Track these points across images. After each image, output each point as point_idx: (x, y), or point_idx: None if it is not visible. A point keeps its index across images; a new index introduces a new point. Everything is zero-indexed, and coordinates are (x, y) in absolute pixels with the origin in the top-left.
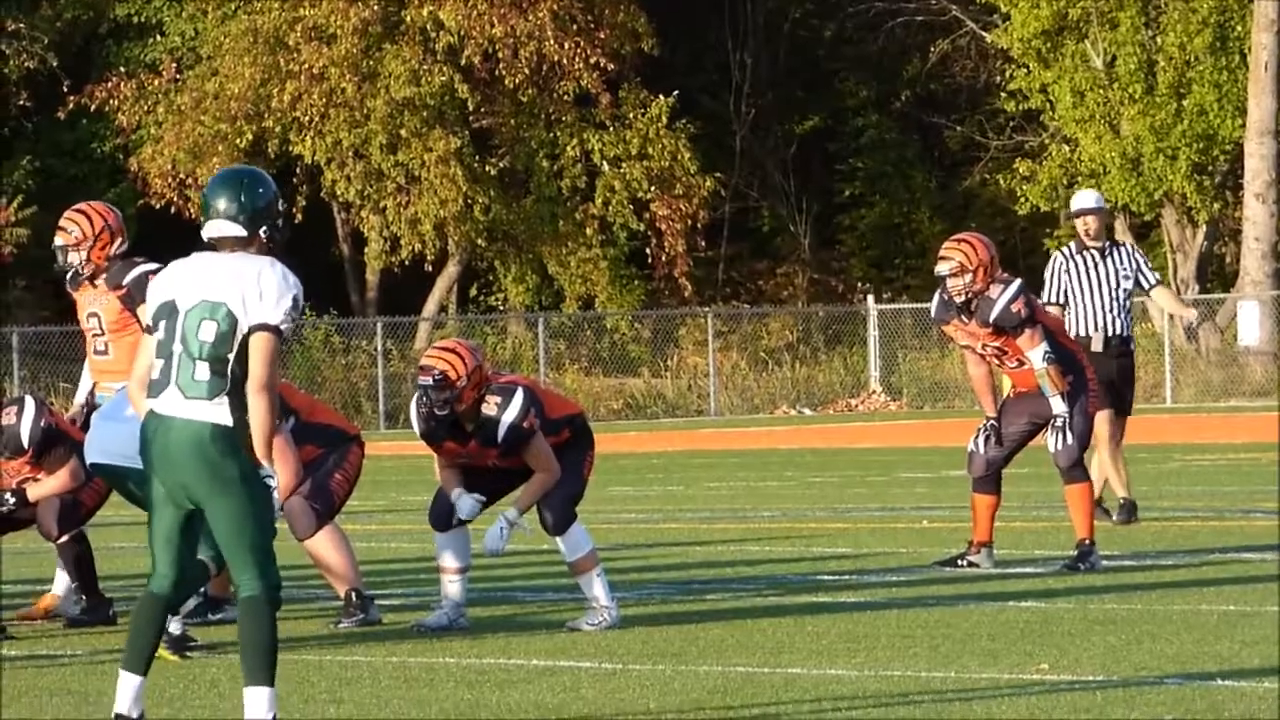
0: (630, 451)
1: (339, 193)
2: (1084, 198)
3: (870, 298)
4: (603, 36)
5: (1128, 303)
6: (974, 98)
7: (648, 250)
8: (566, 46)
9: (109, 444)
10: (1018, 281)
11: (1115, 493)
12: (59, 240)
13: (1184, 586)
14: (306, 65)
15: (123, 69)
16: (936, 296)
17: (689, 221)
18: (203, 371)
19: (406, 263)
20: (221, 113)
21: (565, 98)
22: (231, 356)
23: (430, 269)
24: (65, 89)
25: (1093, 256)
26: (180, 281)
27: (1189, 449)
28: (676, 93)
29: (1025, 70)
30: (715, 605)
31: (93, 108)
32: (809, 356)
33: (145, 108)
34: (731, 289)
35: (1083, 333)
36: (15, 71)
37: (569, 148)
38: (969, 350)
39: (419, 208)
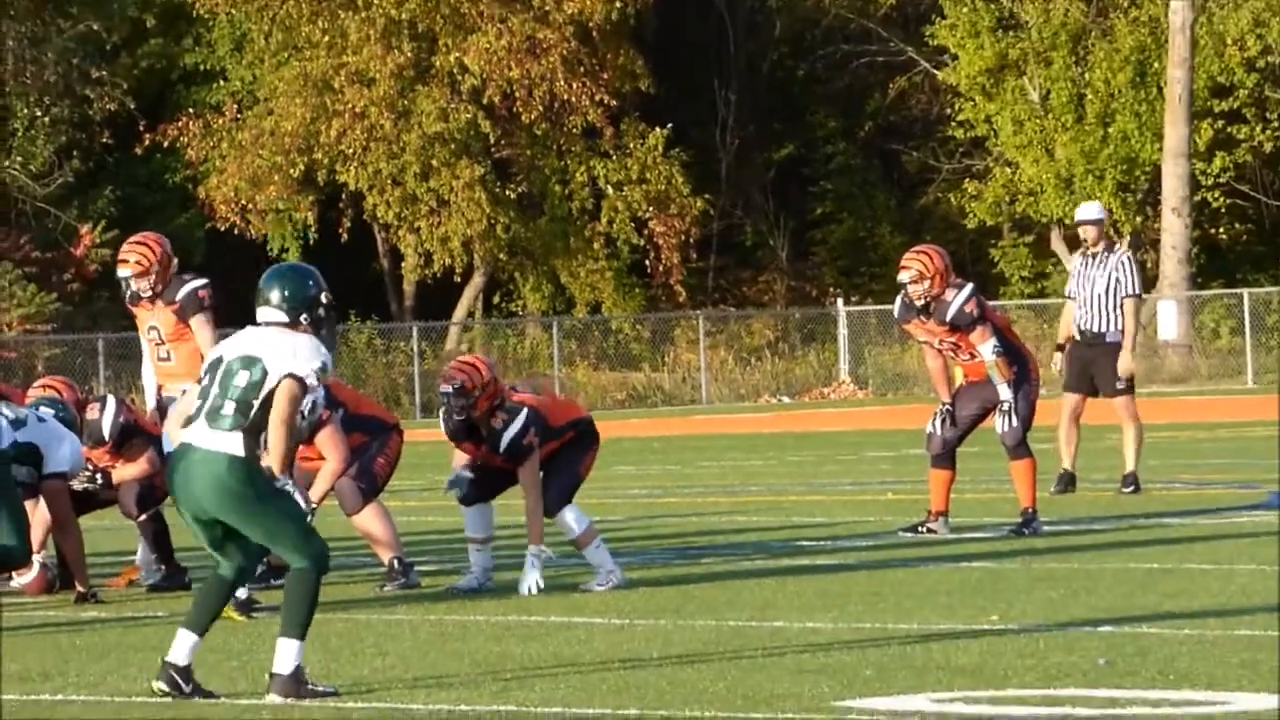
0: (633, 436)
1: (379, 215)
2: (1083, 209)
3: (840, 301)
4: (606, 78)
5: (1106, 303)
6: (928, 127)
7: (647, 262)
8: (574, 86)
9: None
10: (970, 285)
11: (1061, 462)
12: (125, 271)
13: (1114, 547)
14: (350, 105)
15: (191, 110)
16: (899, 300)
17: (682, 237)
18: (229, 409)
19: (438, 275)
20: (277, 147)
21: (574, 131)
22: (257, 403)
23: (459, 280)
24: (142, 128)
25: (1088, 261)
26: (230, 344)
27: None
28: (670, 126)
29: (972, 103)
30: (709, 568)
31: (165, 144)
32: (787, 352)
33: (211, 143)
34: (720, 295)
35: (1072, 323)
36: (99, 113)
37: (578, 174)
38: (927, 345)
39: (449, 227)
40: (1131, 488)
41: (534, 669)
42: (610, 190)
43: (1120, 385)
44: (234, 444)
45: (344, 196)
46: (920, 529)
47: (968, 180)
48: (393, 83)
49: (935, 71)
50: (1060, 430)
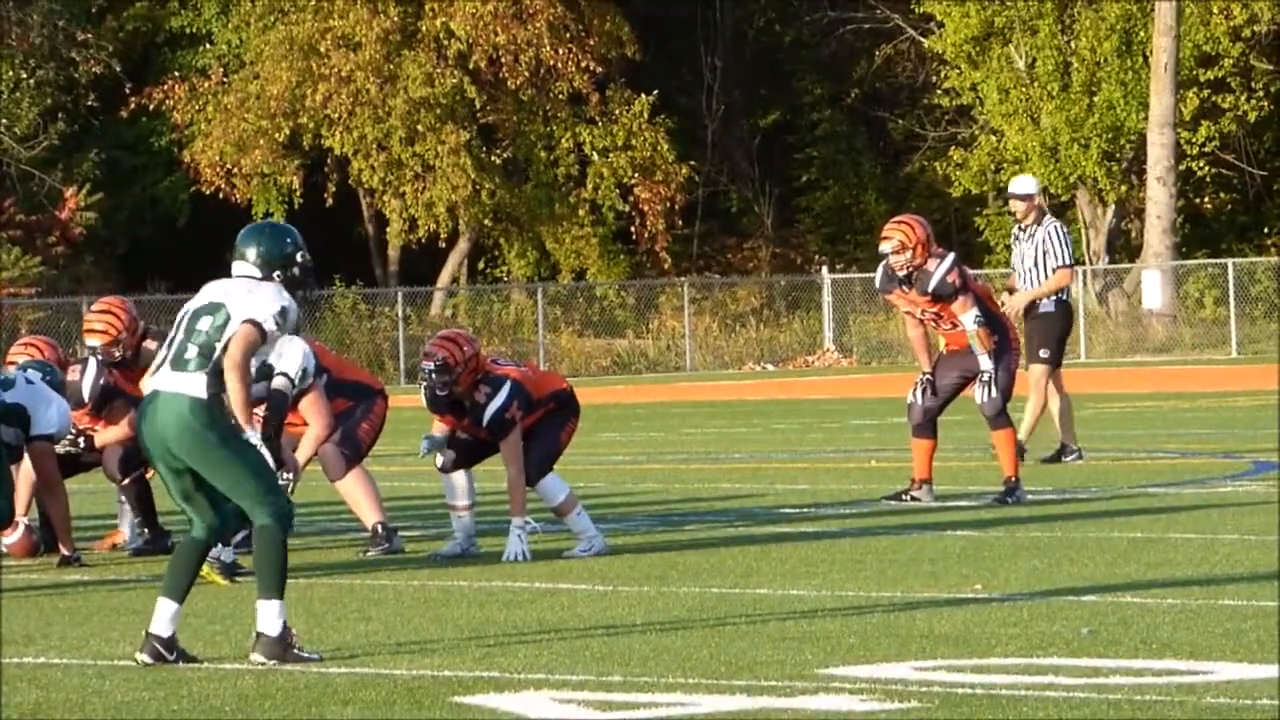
0: (617, 403)
1: (364, 180)
2: (1015, 183)
3: (825, 269)
4: (592, 44)
5: (1035, 275)
6: (913, 95)
7: (632, 229)
8: (560, 52)
9: None
10: (951, 255)
11: (1058, 436)
12: (94, 341)
13: (1097, 517)
14: (336, 69)
15: (177, 73)
16: (880, 270)
17: (667, 203)
18: (192, 352)
19: (423, 240)
20: (262, 111)
21: (560, 97)
22: (219, 346)
23: (444, 245)
24: (127, 91)
25: (1020, 234)
26: (199, 296)
27: (1100, 398)
28: (656, 92)
29: (957, 71)
30: (692, 535)
31: (151, 107)
32: (771, 319)
33: (196, 107)
34: (704, 261)
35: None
36: (84, 76)
37: (563, 140)
38: (909, 315)
39: (434, 193)
40: (1074, 456)
41: (517, 635)
42: (596, 156)
43: (1043, 355)
44: (197, 385)
45: (329, 161)
46: (904, 497)
47: (953, 148)
48: (378, 47)
49: (921, 39)
50: (1048, 407)
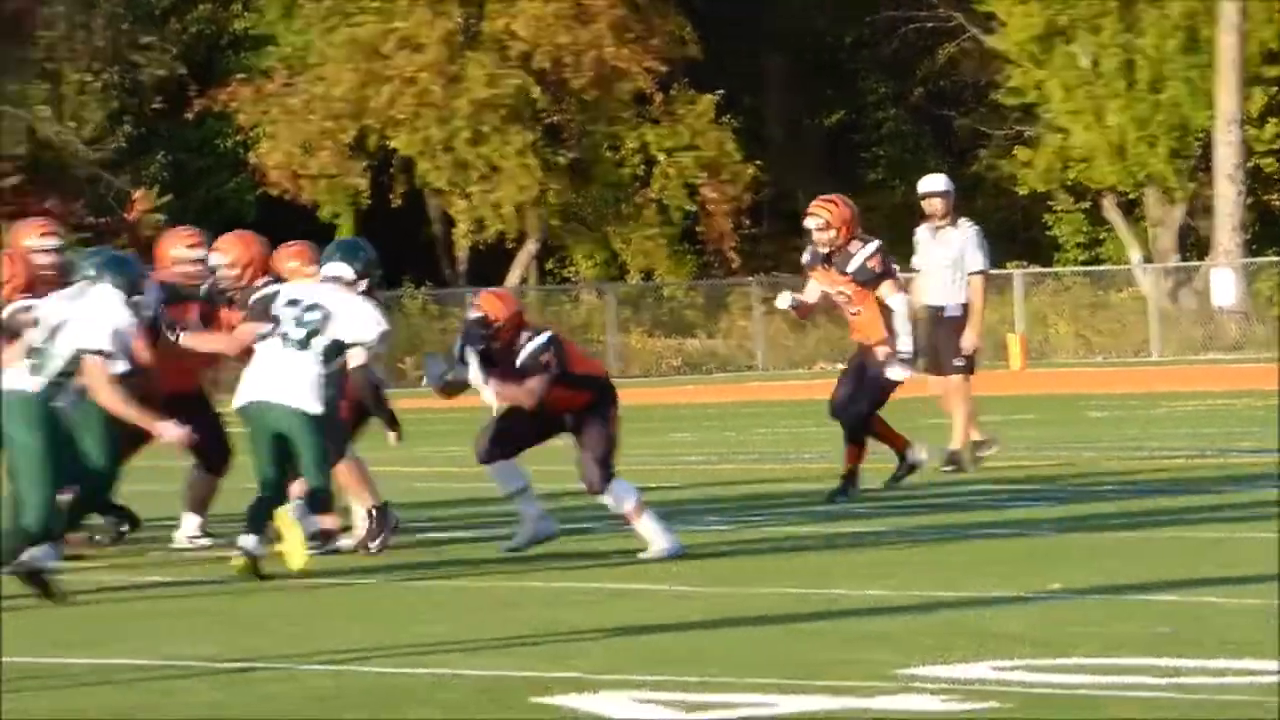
0: (688, 403)
1: (431, 181)
2: (926, 181)
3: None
4: (654, 44)
5: (948, 277)
6: (978, 93)
7: (699, 228)
8: (623, 52)
9: None
10: (876, 242)
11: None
12: (217, 259)
13: (1171, 515)
14: (400, 71)
15: (242, 75)
16: (809, 247)
17: (734, 203)
18: None
19: (491, 241)
20: (327, 112)
21: (624, 97)
22: None
23: (511, 246)
24: (192, 93)
25: (934, 234)
26: None
27: (1174, 396)
28: (721, 92)
29: (1021, 69)
30: (765, 536)
31: (216, 109)
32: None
33: (261, 109)
34: (773, 261)
35: (917, 300)
36: (149, 79)
37: (628, 141)
38: (824, 292)
39: (500, 193)
40: (952, 467)
41: (592, 636)
42: (661, 157)
43: (958, 363)
44: None
45: (395, 162)
46: (899, 473)
47: (1019, 147)
48: (441, 48)
49: (984, 38)
50: (953, 413)
